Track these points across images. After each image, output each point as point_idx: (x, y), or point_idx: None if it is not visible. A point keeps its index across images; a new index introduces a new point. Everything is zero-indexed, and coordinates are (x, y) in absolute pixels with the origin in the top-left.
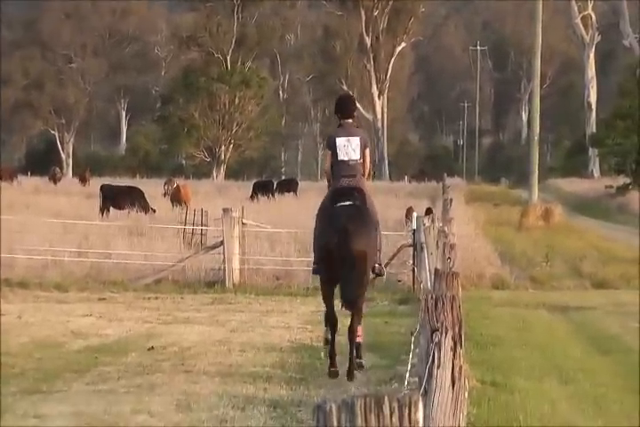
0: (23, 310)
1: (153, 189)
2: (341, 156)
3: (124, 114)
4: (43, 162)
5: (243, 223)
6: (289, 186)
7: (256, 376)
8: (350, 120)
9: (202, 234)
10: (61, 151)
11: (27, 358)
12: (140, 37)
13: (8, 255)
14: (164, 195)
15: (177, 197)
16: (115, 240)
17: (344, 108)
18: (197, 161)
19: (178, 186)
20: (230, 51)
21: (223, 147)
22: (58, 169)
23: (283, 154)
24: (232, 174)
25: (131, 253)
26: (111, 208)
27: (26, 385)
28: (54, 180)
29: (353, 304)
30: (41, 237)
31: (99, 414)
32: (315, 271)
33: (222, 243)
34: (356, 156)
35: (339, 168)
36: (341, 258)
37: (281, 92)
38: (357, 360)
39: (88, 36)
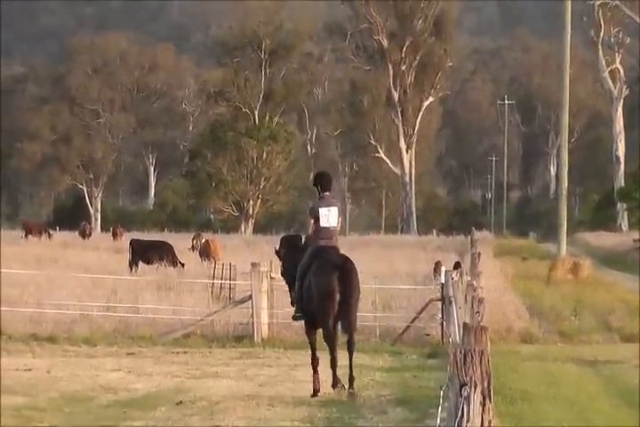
0: (52, 364)
1: (181, 243)
2: (323, 223)
3: (152, 169)
4: (71, 217)
5: (271, 277)
6: None
7: None
8: (328, 193)
9: (230, 288)
10: (90, 206)
11: (56, 412)
12: (167, 92)
13: (37, 310)
14: (192, 249)
15: (206, 252)
16: (143, 295)
17: (323, 183)
18: (225, 215)
19: (207, 241)
20: (258, 105)
21: (251, 201)
22: (88, 224)
23: None
24: (260, 229)
25: (159, 308)
26: (140, 263)
27: None
28: (84, 235)
29: (353, 328)
30: (70, 291)
31: None
32: (296, 318)
33: (251, 297)
34: (334, 223)
35: (320, 233)
36: (342, 291)
37: (309, 147)
38: (350, 390)
39: (116, 92)
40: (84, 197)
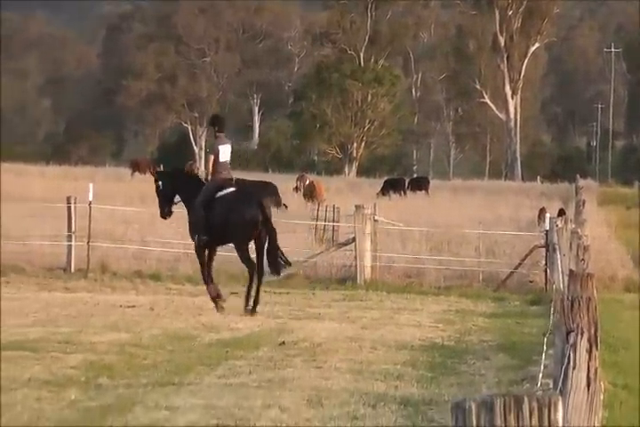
0: (155, 301)
1: (284, 184)
2: (222, 158)
3: (256, 109)
4: (175, 155)
5: (375, 220)
6: (420, 184)
7: (387, 374)
8: (223, 133)
9: (333, 230)
10: (194, 144)
11: (158, 350)
12: (273, 33)
13: (141, 247)
14: (296, 190)
15: (310, 193)
16: None
17: (220, 124)
18: (329, 157)
19: (312, 182)
20: (363, 48)
21: (355, 144)
22: (195, 163)
23: (415, 152)
24: (364, 171)
25: None
26: None
27: (157, 377)
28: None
29: (279, 250)
30: (174, 229)
31: (230, 408)
32: (201, 240)
33: (354, 239)
34: (228, 157)
35: (219, 166)
36: (263, 220)
37: (413, 91)
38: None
39: (222, 31)
40: (189, 136)
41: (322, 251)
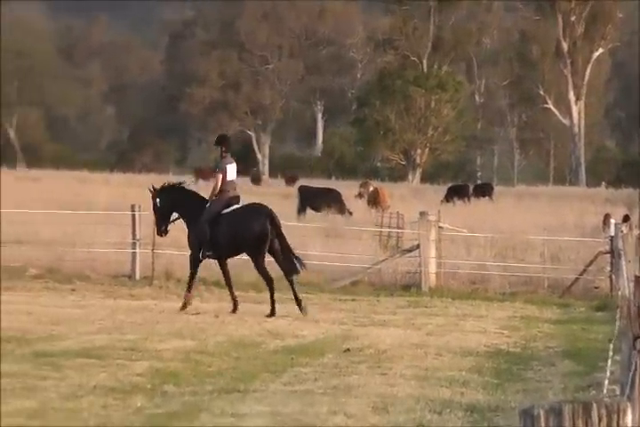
0: (220, 309)
1: (348, 190)
2: (229, 177)
3: (319, 116)
4: (238, 162)
5: (439, 227)
6: (484, 190)
7: (452, 380)
8: (229, 153)
9: (398, 237)
10: (257, 152)
11: (223, 357)
12: (335, 40)
13: None
14: (359, 196)
15: (375, 200)
16: (311, 241)
17: (226, 144)
18: (393, 164)
19: (376, 189)
20: (426, 54)
21: (419, 150)
22: (260, 170)
23: (478, 158)
24: (427, 178)
25: (327, 255)
26: (308, 209)
27: (222, 384)
28: (258, 181)
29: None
30: None
31: (295, 415)
32: (209, 257)
33: (418, 246)
34: (235, 176)
35: (227, 185)
36: (277, 234)
37: (477, 96)
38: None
39: (284, 38)
40: (252, 143)
41: (386, 258)
